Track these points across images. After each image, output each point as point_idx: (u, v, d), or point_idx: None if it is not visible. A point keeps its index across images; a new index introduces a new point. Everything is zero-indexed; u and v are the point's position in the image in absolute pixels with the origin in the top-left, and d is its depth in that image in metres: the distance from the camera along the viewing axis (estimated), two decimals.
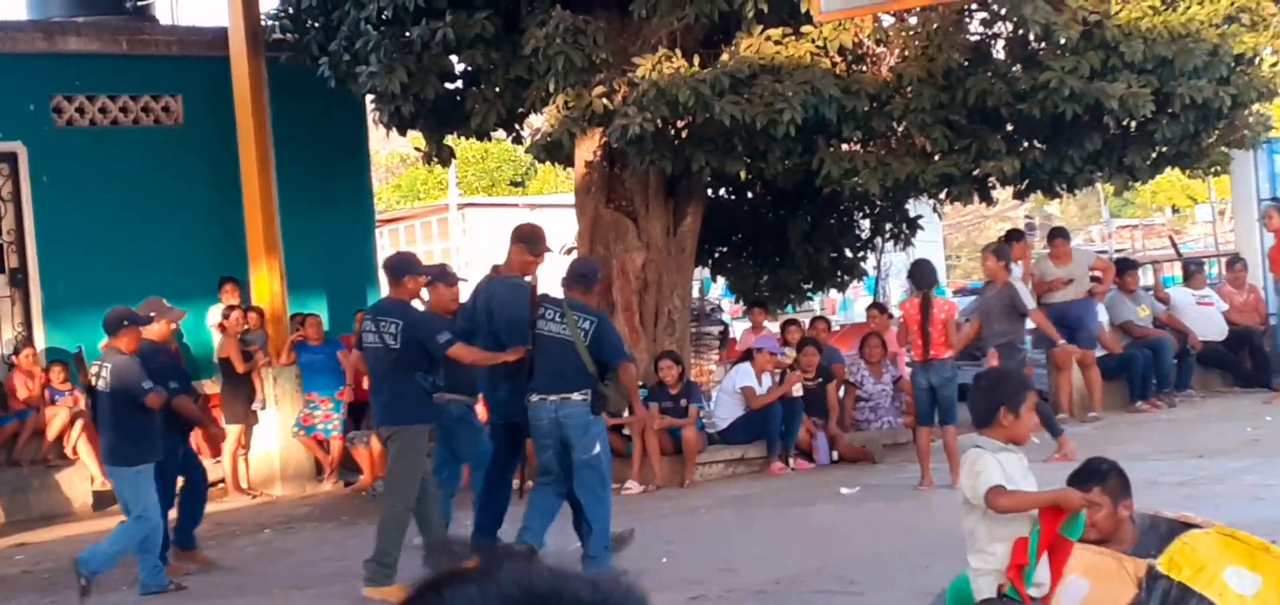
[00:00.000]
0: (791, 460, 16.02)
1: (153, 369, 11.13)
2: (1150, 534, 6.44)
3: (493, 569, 1.20)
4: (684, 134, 14.96)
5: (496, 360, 10.97)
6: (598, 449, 10.70)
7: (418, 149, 18.43)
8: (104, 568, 10.92)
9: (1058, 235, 17.84)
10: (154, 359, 11.37)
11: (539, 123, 16.45)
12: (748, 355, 16.89)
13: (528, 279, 11.31)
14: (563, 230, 17.21)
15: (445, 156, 17.56)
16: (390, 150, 55.17)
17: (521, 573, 1.19)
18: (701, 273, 21.33)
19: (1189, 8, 14.88)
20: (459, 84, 16.78)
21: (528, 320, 10.78)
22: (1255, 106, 16.54)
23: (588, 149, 16.19)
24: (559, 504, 10.83)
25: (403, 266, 11.15)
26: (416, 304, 11.19)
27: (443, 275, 12.52)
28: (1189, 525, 6.47)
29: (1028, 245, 18.10)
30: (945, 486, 13.11)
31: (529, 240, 11.52)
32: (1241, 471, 12.90)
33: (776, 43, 14.34)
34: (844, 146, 15.55)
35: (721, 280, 22.97)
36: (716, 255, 20.03)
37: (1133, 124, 15.08)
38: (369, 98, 16.91)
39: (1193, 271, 19.84)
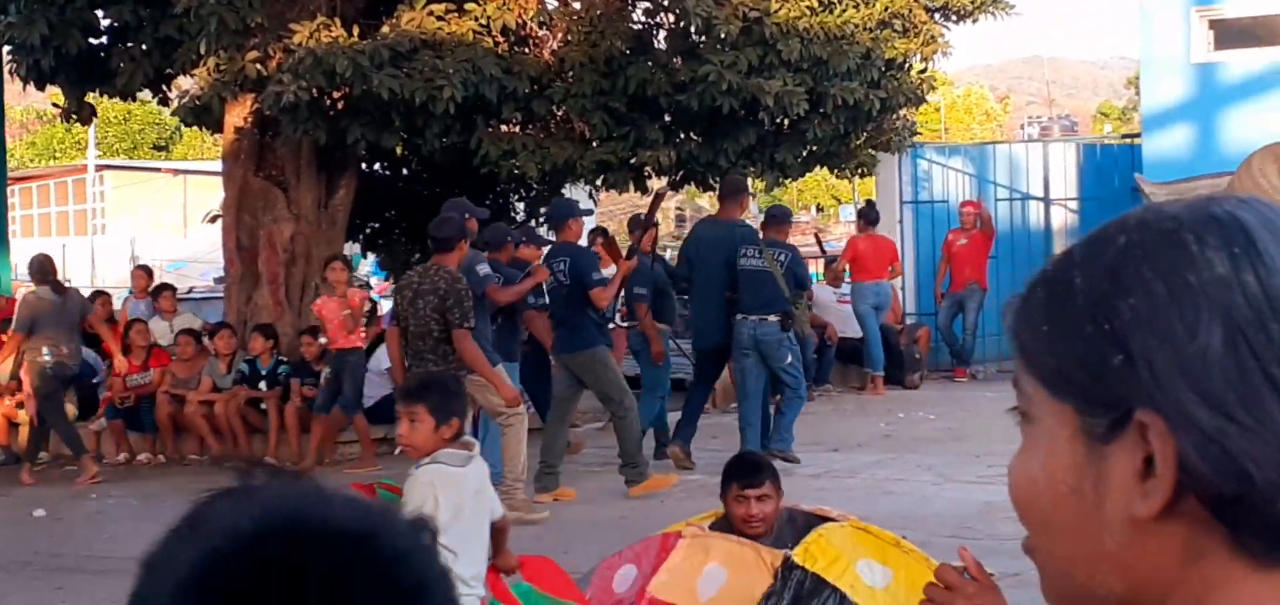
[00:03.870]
0: None
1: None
2: (788, 526, 6.50)
3: (255, 487, 1.18)
4: (340, 105, 14.61)
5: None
6: (790, 359, 12.90)
7: (56, 105, 17.59)
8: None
9: None
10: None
11: (188, 85, 15.82)
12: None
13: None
14: (208, 198, 16.69)
15: (86, 115, 16.76)
16: (26, 105, 52.85)
17: (286, 492, 1.17)
18: (351, 248, 20.93)
19: (845, 11, 15.21)
20: (104, 40, 16.03)
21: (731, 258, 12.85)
22: (902, 111, 17.06)
23: (238, 115, 15.67)
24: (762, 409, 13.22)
25: (560, 214, 12.73)
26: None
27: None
28: (825, 518, 6.55)
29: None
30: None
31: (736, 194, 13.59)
32: (873, 466, 13.27)
33: (439, 18, 14.13)
34: (503, 128, 15.43)
35: (370, 256, 22.64)
36: (368, 230, 19.68)
37: (786, 121, 15.34)
38: (6, 49, 16.00)
39: (834, 269, 20.38)
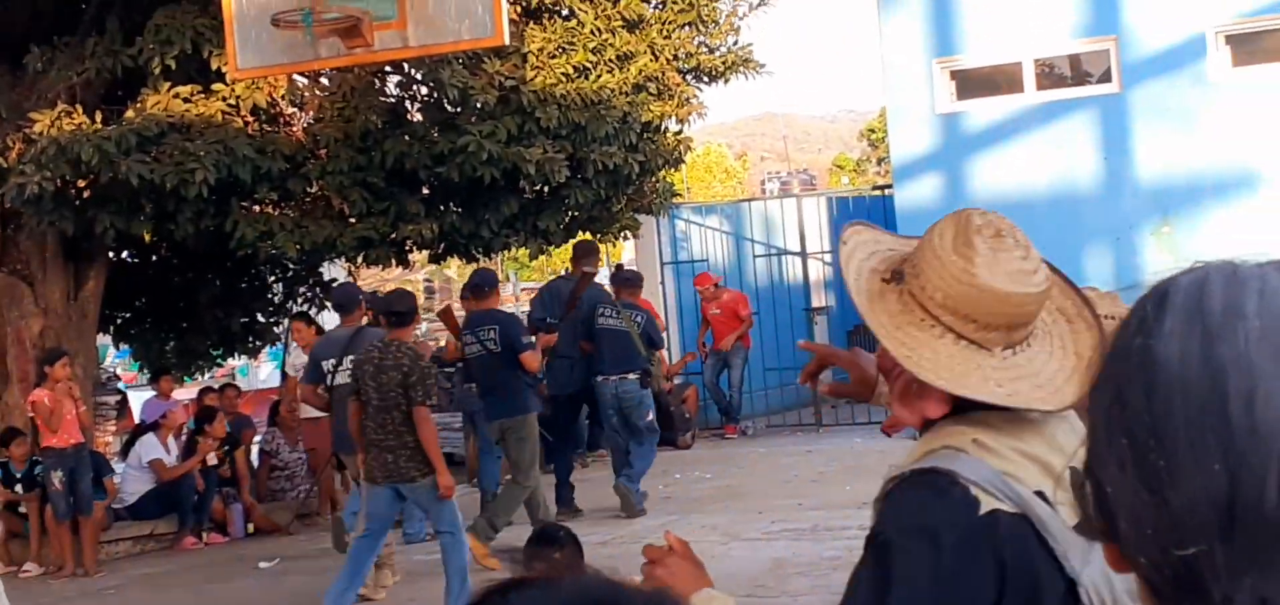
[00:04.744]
0: (205, 534, 15.38)
1: None
2: None
3: (555, 577, 1.26)
4: (86, 193, 14.08)
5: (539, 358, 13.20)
6: (651, 415, 14.17)
7: None
8: None
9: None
10: None
11: None
12: (152, 426, 16.13)
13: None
14: None
15: None
16: None
17: (582, 582, 1.26)
18: (103, 339, 20.25)
19: (600, 76, 15.20)
20: None
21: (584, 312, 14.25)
22: (661, 173, 17.11)
23: None
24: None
25: (488, 282, 13.73)
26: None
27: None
28: None
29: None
30: None
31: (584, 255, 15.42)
32: (659, 529, 13.16)
33: (186, 100, 13.74)
34: (257, 208, 15.04)
35: (114, 348, 21.95)
36: (119, 321, 19.03)
37: (547, 189, 15.25)
38: None
39: None
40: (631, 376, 13.91)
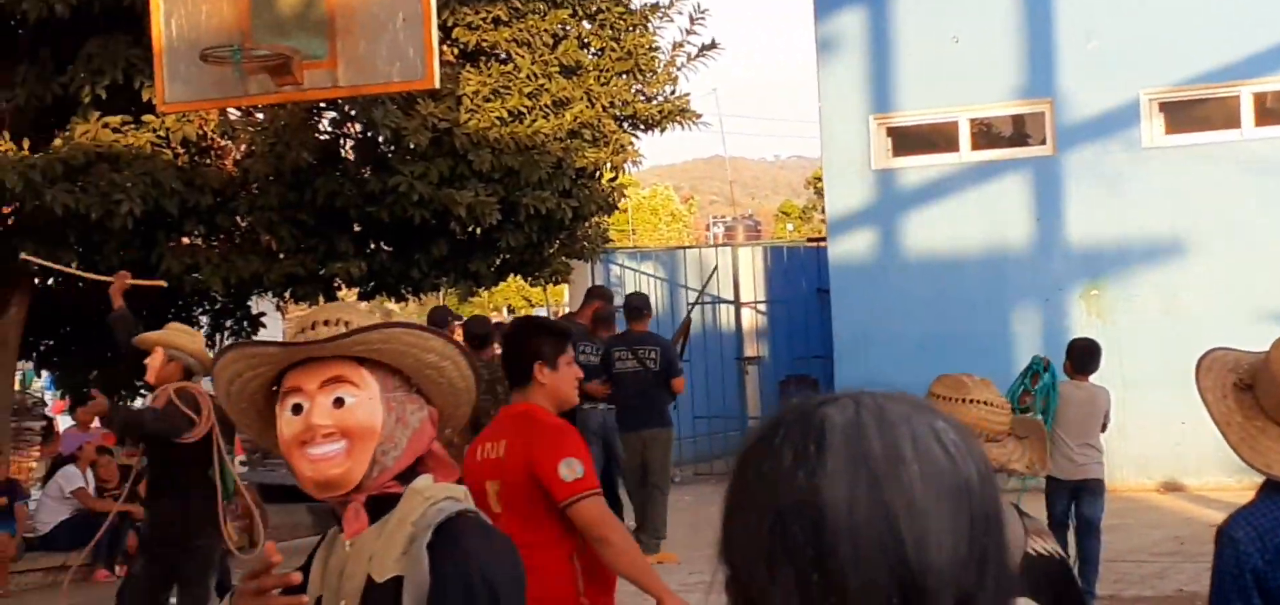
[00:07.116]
0: (118, 567, 15.20)
1: None
2: None
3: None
4: (10, 221, 13.91)
5: None
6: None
7: None
8: None
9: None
10: None
11: None
12: (70, 458, 15.91)
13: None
14: None
15: None
16: None
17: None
18: (24, 366, 19.96)
19: (535, 121, 15.16)
20: None
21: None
22: (594, 219, 17.08)
23: None
24: None
25: (646, 305, 14.60)
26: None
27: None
28: None
29: None
30: None
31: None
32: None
33: (115, 131, 13.58)
34: (185, 241, 14.89)
35: (44, 373, 21.67)
36: (42, 348, 18.76)
37: (478, 231, 15.20)
38: None
39: None
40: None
